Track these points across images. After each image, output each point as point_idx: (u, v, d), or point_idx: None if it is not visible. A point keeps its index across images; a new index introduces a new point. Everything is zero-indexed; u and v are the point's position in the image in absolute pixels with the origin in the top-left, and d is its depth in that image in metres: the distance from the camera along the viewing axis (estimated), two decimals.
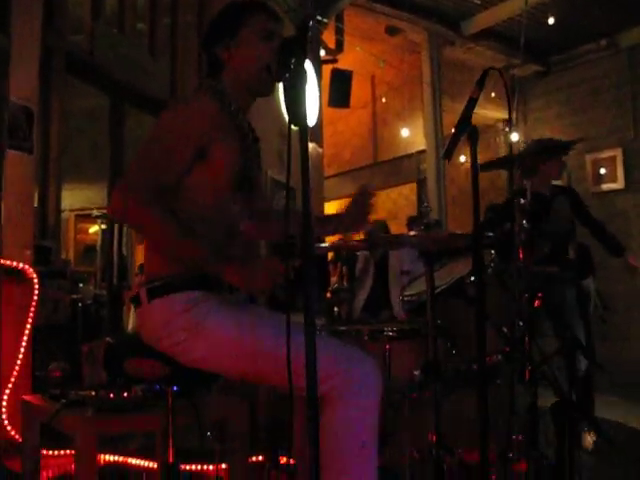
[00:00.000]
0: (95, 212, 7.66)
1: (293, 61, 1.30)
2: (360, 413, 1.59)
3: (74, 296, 4.76)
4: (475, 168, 1.54)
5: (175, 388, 1.89)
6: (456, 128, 1.64)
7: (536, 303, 2.22)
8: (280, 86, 1.41)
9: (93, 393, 2.13)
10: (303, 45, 1.25)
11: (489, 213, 5.85)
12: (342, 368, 1.59)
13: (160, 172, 1.64)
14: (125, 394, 2.13)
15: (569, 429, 2.19)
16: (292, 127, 1.28)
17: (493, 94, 9.84)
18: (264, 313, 1.74)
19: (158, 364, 1.74)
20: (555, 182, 3.73)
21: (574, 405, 2.20)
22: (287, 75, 1.32)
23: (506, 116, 11.38)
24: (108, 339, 1.91)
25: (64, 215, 8.16)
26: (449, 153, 1.69)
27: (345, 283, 3.22)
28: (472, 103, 1.64)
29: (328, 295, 5.37)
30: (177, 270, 1.69)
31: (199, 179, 1.71)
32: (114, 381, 2.28)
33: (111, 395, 2.11)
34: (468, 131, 1.59)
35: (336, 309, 2.97)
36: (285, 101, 1.31)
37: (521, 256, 2.21)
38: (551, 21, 7.79)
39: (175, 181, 1.68)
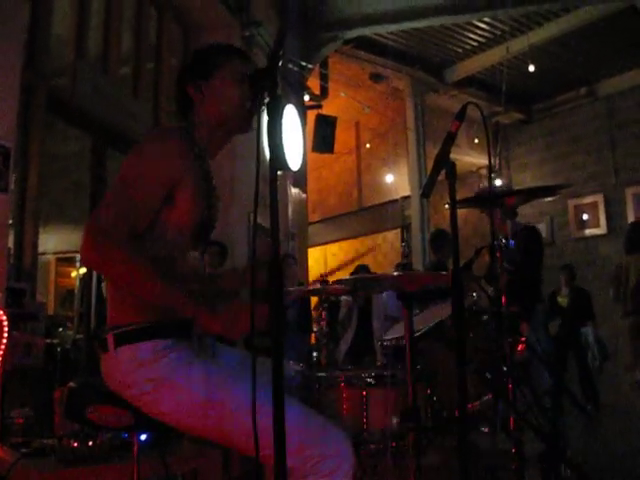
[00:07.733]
0: (77, 256, 7.61)
1: (265, 92, 1.27)
2: None
3: (50, 340, 4.62)
4: (453, 204, 1.49)
5: (144, 437, 1.79)
6: (434, 164, 1.59)
7: (519, 347, 2.15)
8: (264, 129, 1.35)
9: (56, 442, 2.02)
10: (273, 75, 1.21)
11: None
12: (315, 441, 1.50)
13: (132, 216, 1.56)
14: (90, 443, 2.02)
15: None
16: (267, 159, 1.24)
17: (476, 140, 10.00)
18: (236, 371, 1.63)
19: (123, 411, 1.64)
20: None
21: (563, 454, 2.11)
22: (262, 107, 1.30)
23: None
24: (71, 384, 1.80)
25: (45, 258, 8.04)
26: (427, 190, 1.64)
27: (325, 328, 3.14)
28: (451, 138, 1.60)
29: (313, 341, 5.26)
30: (146, 317, 1.61)
31: (162, 222, 1.65)
32: (83, 429, 2.16)
33: (75, 444, 2.00)
34: (446, 167, 1.55)
35: (315, 354, 2.89)
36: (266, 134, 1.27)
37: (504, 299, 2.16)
38: (531, 68, 7.93)
39: (146, 225, 1.61)
